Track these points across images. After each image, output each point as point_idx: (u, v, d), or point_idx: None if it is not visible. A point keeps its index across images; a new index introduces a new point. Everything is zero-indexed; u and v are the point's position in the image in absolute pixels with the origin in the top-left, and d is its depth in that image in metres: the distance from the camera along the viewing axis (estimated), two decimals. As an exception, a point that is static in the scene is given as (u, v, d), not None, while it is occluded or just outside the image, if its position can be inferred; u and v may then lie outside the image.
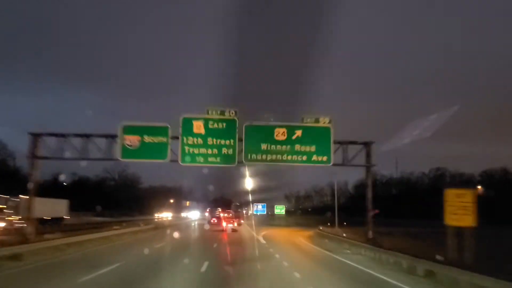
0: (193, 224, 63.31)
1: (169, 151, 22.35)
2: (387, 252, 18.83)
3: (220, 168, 24.06)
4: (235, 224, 43.83)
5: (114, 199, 77.89)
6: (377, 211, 24.76)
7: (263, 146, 22.38)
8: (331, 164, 22.95)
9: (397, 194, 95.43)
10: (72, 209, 49.57)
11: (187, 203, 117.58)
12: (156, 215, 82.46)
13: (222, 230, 39.91)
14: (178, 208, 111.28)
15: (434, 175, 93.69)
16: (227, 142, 22.22)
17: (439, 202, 16.44)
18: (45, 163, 24.23)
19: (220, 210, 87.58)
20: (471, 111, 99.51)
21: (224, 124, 22.34)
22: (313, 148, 22.48)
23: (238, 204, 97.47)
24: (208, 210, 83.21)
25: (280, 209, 65.03)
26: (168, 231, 38.51)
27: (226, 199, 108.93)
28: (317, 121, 22.67)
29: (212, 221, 54.29)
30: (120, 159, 22.87)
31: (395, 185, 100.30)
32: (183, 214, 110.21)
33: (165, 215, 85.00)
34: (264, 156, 22.43)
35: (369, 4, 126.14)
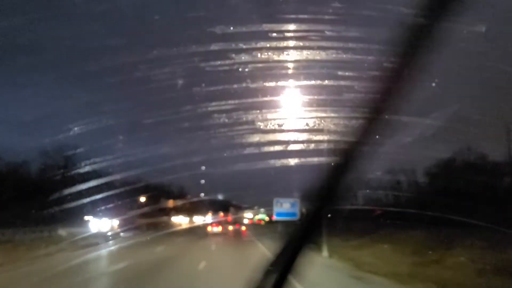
0: None
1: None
2: None
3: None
4: (220, 228, 45.08)
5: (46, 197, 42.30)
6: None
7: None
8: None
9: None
10: None
11: (170, 201, 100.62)
12: None
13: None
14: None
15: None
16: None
17: None
18: None
19: (222, 214, 79.78)
20: None
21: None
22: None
23: (239, 206, 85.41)
24: (209, 213, 79.20)
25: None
26: None
27: (225, 200, 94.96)
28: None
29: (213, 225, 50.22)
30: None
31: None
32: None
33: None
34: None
35: None
